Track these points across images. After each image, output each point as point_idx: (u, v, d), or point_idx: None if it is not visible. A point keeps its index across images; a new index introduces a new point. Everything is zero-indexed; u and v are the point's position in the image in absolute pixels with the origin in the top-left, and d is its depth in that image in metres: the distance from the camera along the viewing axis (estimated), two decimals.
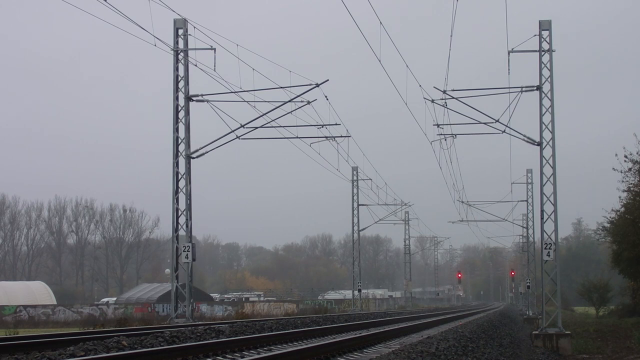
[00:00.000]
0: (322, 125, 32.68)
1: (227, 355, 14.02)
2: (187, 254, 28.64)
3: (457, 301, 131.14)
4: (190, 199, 29.16)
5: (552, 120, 27.66)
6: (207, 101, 29.80)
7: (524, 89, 28.41)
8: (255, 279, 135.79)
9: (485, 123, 29.20)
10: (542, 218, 27.62)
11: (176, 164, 29.28)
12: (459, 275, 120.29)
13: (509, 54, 28.18)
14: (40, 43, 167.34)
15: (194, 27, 28.65)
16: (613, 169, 39.01)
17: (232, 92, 29.62)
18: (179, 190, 29.21)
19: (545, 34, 27.53)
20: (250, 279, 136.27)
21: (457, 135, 32.25)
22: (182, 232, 29.42)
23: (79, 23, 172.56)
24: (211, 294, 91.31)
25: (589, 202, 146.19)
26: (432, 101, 29.44)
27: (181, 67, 29.38)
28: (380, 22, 23.84)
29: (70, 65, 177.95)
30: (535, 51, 27.67)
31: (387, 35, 24.36)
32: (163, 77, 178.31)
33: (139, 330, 20.48)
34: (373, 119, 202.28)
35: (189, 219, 29.13)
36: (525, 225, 67.43)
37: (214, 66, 28.36)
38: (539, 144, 27.77)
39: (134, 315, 59.67)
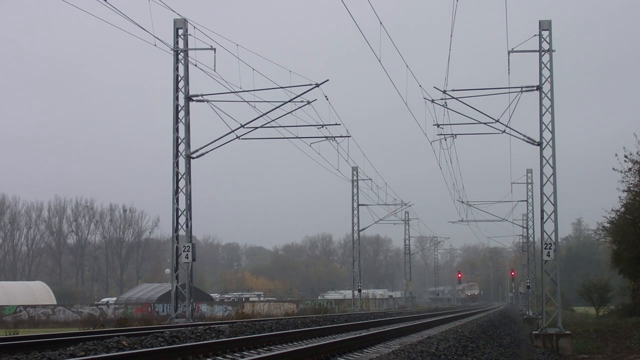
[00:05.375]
0: (322, 125, 32.69)
1: (227, 355, 14.02)
2: (187, 254, 28.65)
3: (456, 301, 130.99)
4: (190, 199, 29.16)
5: (552, 120, 27.66)
6: (207, 101, 29.81)
7: (524, 89, 28.40)
8: (255, 279, 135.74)
9: (485, 123, 29.20)
10: (542, 218, 27.61)
11: (176, 164, 29.29)
12: (459, 276, 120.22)
13: (509, 54, 28.18)
14: (38, 43, 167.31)
15: (194, 27, 28.69)
16: (613, 169, 39.07)
17: (232, 92, 29.64)
18: (179, 190, 29.21)
19: (545, 34, 27.52)
20: (250, 279, 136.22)
21: (457, 135, 32.27)
22: (182, 232, 29.44)
23: (78, 23, 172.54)
24: (211, 294, 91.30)
25: (589, 202, 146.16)
26: (432, 101, 29.45)
27: (181, 67, 29.39)
28: (381, 23, 23.87)
29: (70, 65, 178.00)
30: (535, 51, 27.67)
31: (387, 35, 24.38)
32: (163, 77, 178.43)
33: (139, 330, 20.48)
34: (373, 119, 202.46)
35: (189, 219, 29.13)
36: (525, 225, 67.45)
37: (214, 66, 28.42)
38: (539, 144, 27.77)
39: (134, 315, 59.67)
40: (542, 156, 27.72)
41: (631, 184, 39.81)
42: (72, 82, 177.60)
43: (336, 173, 42.45)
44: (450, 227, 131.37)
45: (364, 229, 60.48)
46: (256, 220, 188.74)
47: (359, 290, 60.56)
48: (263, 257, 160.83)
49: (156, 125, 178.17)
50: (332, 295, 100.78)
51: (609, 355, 25.27)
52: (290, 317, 33.41)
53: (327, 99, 31.33)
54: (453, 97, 28.84)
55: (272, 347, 16.16)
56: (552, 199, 27.51)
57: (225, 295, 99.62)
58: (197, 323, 26.27)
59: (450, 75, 75.03)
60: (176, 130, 29.38)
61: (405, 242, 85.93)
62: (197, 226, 56.95)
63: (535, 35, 27.61)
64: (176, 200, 29.17)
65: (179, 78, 29.44)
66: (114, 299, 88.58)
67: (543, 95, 27.72)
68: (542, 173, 27.77)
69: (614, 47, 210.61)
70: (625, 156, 38.15)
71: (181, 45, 29.24)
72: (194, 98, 29.65)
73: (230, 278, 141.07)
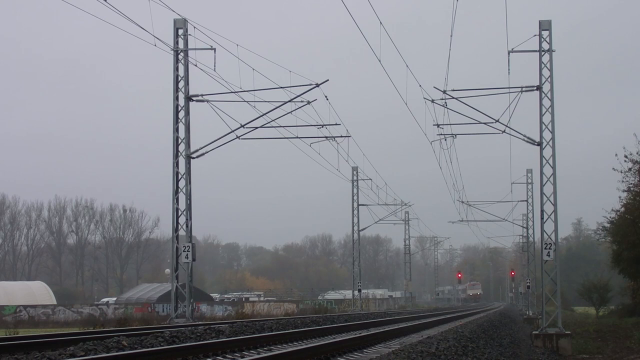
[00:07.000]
0: (322, 125, 32.69)
1: (227, 355, 14.02)
2: (187, 254, 28.65)
3: (456, 301, 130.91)
4: (190, 199, 29.17)
5: (552, 120, 27.65)
6: (207, 101, 29.81)
7: (524, 89, 28.40)
8: (255, 279, 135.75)
9: (485, 123, 29.20)
10: (542, 218, 27.61)
11: (176, 164, 29.29)
12: (459, 276, 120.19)
13: (509, 54, 28.17)
14: (38, 43, 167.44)
15: (194, 27, 28.69)
16: (613, 169, 39.14)
17: (232, 92, 29.65)
18: (179, 190, 29.21)
19: (545, 34, 27.52)
20: (250, 279, 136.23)
21: (457, 135, 32.27)
22: (182, 232, 29.44)
23: (79, 23, 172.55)
24: (211, 294, 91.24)
25: (589, 202, 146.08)
26: (432, 101, 29.45)
27: (181, 67, 29.39)
28: (381, 22, 23.88)
29: (70, 65, 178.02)
30: (535, 51, 27.66)
31: (387, 35, 24.39)
32: (163, 77, 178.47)
33: (139, 330, 20.48)
34: (373, 119, 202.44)
35: (189, 219, 29.13)
36: (525, 225, 67.45)
37: (214, 66, 28.42)
38: (539, 144, 27.76)
39: (134, 315, 59.62)
40: (542, 156, 27.71)
41: (631, 184, 39.88)
42: (72, 82, 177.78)
43: (336, 173, 42.44)
44: (450, 227, 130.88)
45: (364, 229, 60.53)
46: (256, 220, 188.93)
47: (359, 290, 60.57)
48: (263, 257, 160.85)
49: (156, 125, 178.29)
50: (332, 295, 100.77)
51: (609, 355, 25.27)
52: (290, 317, 33.41)
53: (327, 99, 31.38)
54: (453, 97, 28.84)
55: (272, 347, 16.17)
56: (552, 199, 27.50)
57: (225, 295, 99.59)
58: (197, 323, 26.27)
59: (450, 75, 75.08)
60: (176, 130, 29.38)
61: (405, 242, 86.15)
62: (197, 226, 56.96)
63: (535, 35, 27.61)
64: (176, 200, 29.17)
65: (179, 78, 29.44)
66: (114, 299, 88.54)
67: (543, 95, 27.71)
68: (542, 173, 27.76)
69: (614, 47, 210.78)
70: (625, 156, 38.23)
71: (181, 45, 29.24)
72: (194, 98, 29.65)
73: (230, 278, 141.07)
